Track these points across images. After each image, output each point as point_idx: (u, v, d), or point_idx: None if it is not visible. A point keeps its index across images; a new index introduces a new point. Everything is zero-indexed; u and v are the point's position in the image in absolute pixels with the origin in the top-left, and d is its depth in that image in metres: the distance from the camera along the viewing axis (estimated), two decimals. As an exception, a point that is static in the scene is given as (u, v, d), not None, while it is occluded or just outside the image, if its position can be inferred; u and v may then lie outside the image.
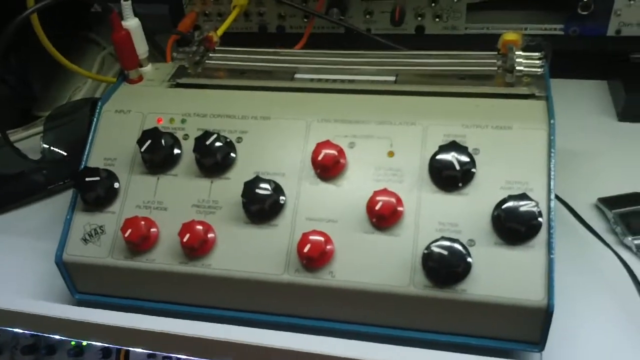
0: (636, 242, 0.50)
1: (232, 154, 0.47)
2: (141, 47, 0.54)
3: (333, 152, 0.45)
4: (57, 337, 0.53)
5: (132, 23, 0.52)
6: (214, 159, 0.46)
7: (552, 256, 0.41)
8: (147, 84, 0.54)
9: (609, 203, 0.54)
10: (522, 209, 0.41)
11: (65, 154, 0.63)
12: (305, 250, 0.42)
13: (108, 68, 0.75)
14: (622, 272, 0.48)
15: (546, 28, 0.68)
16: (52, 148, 0.62)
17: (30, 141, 0.68)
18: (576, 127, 0.63)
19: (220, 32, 0.59)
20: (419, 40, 0.69)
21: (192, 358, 0.47)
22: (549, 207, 0.42)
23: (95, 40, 0.77)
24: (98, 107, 0.51)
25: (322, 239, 0.43)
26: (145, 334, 0.47)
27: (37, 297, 0.51)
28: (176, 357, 0.57)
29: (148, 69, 0.55)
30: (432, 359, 0.43)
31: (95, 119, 0.51)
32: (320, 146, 0.45)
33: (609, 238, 0.52)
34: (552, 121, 0.44)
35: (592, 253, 0.51)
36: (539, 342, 0.42)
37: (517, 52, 0.48)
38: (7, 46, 0.49)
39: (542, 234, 0.42)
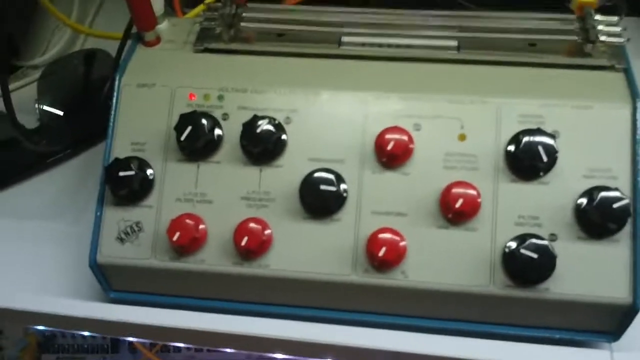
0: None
1: (283, 139, 0.42)
2: (157, 2, 0.45)
3: (402, 138, 0.40)
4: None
5: (148, -25, 0.44)
6: (264, 146, 0.41)
7: (638, 251, 0.39)
8: (168, 47, 0.46)
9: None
10: (611, 204, 0.38)
11: (62, 113, 0.55)
12: (381, 253, 0.39)
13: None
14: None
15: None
16: (50, 110, 0.54)
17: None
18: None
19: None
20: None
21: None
22: (635, 197, 0.40)
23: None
24: (116, 81, 0.44)
25: (396, 237, 0.40)
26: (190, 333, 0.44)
27: (64, 291, 0.46)
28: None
29: (164, 26, 0.47)
30: (499, 350, 0.41)
31: (114, 96, 0.44)
32: (386, 132, 0.41)
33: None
34: (637, 100, 0.41)
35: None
36: (616, 333, 0.41)
37: (596, 18, 0.43)
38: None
39: (628, 227, 0.39)
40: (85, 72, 0.56)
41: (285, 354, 0.44)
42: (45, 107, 0.54)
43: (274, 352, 0.44)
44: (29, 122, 0.54)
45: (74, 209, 0.51)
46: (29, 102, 0.56)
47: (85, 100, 0.55)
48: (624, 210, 0.38)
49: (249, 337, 0.43)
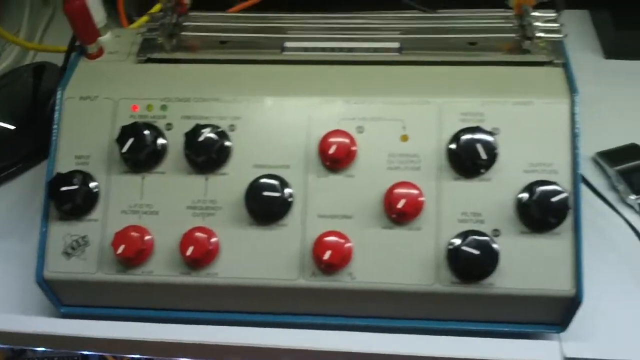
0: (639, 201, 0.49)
1: (227, 146, 0.42)
2: (99, 14, 0.45)
3: (345, 141, 0.41)
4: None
5: (86, -12, 0.43)
6: (208, 155, 0.41)
7: (579, 243, 0.40)
8: (111, 59, 0.46)
9: (608, 158, 0.52)
10: (550, 198, 0.39)
11: (13, 127, 0.55)
12: (326, 257, 0.39)
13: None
14: (627, 232, 0.48)
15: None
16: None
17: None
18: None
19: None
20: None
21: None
22: (575, 191, 0.40)
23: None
24: (58, 94, 0.44)
25: (341, 240, 0.40)
26: (149, 344, 0.43)
27: (15, 309, 0.46)
28: None
29: (107, 38, 0.47)
30: (451, 346, 0.42)
31: (57, 110, 0.43)
32: (329, 136, 0.41)
33: (610, 195, 0.51)
34: (575, 95, 0.41)
35: (594, 211, 0.50)
36: (562, 325, 0.42)
37: (533, 14, 0.44)
38: None
39: (569, 220, 0.40)
40: (34, 85, 0.56)
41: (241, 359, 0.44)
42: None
43: (229, 359, 0.44)
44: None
45: (24, 224, 0.50)
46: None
47: (35, 114, 0.54)
48: (563, 203, 0.39)
49: (203, 346, 0.43)
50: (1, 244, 0.49)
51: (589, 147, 0.54)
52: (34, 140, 0.54)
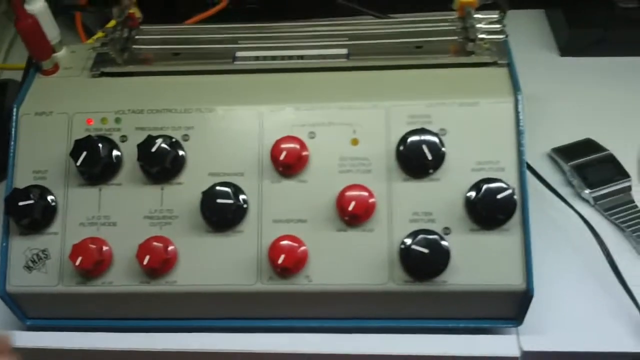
0: (593, 195, 0.50)
1: (181, 156, 0.43)
2: (52, 31, 0.46)
3: (295, 147, 0.42)
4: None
5: (37, 6, 0.44)
6: (162, 165, 0.42)
7: (528, 237, 0.41)
8: (66, 74, 0.47)
9: (563, 154, 0.53)
10: (496, 195, 0.40)
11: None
12: (280, 261, 0.40)
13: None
14: (581, 226, 0.49)
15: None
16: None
17: None
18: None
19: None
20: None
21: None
22: (522, 186, 0.41)
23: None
24: (14, 111, 0.44)
25: (294, 244, 0.41)
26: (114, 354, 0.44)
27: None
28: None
29: (63, 54, 0.48)
30: (409, 343, 0.43)
31: (13, 125, 0.44)
32: (280, 142, 0.42)
33: (565, 190, 0.52)
34: (518, 93, 0.43)
35: (549, 206, 0.51)
36: (518, 319, 0.43)
37: (475, 16, 0.45)
38: None
39: (517, 216, 0.41)
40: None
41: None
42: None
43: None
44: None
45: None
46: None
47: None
48: (509, 199, 0.40)
49: (166, 353, 0.44)
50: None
51: (545, 143, 0.56)
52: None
